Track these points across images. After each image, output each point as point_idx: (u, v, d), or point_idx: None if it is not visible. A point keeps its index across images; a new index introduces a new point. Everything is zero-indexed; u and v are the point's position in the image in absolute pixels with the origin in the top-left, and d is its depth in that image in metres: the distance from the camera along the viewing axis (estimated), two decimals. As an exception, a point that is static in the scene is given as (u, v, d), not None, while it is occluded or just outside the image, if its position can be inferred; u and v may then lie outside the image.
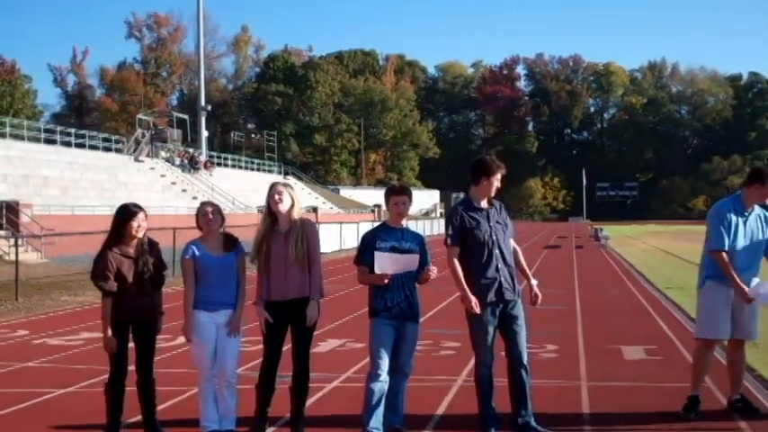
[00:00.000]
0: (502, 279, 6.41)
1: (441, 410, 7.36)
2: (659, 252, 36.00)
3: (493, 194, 6.55)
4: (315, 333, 6.57)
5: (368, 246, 6.39)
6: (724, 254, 6.85)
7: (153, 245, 6.59)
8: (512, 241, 6.65)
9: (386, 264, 6.21)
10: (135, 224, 6.39)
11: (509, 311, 6.45)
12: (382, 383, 6.23)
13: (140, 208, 6.52)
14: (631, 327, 12.72)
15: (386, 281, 6.23)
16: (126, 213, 6.44)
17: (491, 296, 6.39)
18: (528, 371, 6.52)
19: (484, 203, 6.54)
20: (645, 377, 8.68)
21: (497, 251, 6.44)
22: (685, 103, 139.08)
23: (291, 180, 68.76)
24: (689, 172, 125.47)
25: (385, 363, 6.25)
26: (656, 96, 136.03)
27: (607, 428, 6.76)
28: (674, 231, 62.46)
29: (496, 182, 6.51)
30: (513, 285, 6.48)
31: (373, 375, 6.26)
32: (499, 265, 6.42)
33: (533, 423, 6.43)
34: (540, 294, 6.61)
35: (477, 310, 6.33)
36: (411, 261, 6.29)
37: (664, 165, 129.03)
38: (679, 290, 17.70)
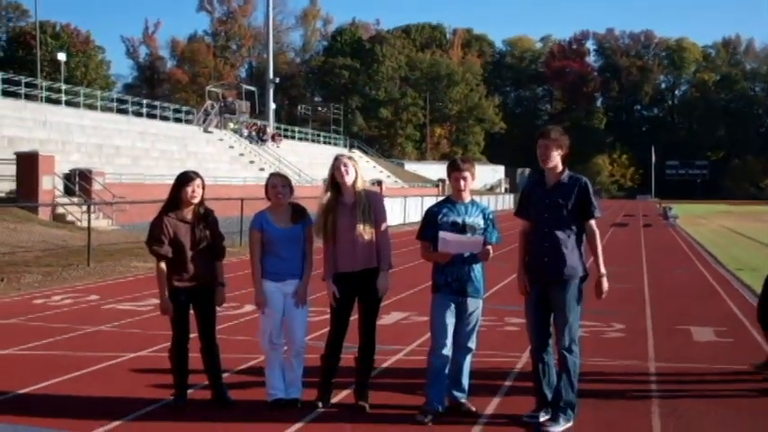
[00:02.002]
0: (545, 259, 6.13)
1: (505, 387, 7.33)
2: (730, 232, 35.22)
3: (547, 163, 6.15)
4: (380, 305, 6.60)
5: (430, 221, 6.36)
6: None
7: (209, 213, 6.62)
8: (591, 223, 6.18)
9: (449, 244, 6.17)
10: (189, 189, 6.43)
11: (553, 292, 6.15)
12: (443, 358, 6.23)
13: (198, 175, 6.57)
14: (701, 308, 12.48)
15: (447, 260, 6.22)
16: (183, 178, 6.52)
17: (533, 275, 6.24)
18: (567, 356, 6.07)
19: (551, 178, 6.23)
20: (715, 359, 8.52)
21: (545, 229, 6.15)
22: (760, 81, 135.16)
23: (357, 153, 69.03)
24: (762, 151, 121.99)
25: (445, 338, 6.24)
26: (729, 73, 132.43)
27: (676, 409, 6.65)
28: (746, 212, 61.09)
29: (540, 149, 6.12)
30: (560, 267, 6.08)
31: (434, 350, 6.27)
32: (545, 244, 6.14)
33: (559, 411, 6.07)
34: (604, 289, 6.13)
35: (521, 291, 6.31)
36: (475, 243, 6.22)
37: (736, 143, 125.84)
38: (751, 271, 17.29)
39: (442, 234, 6.17)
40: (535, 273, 6.23)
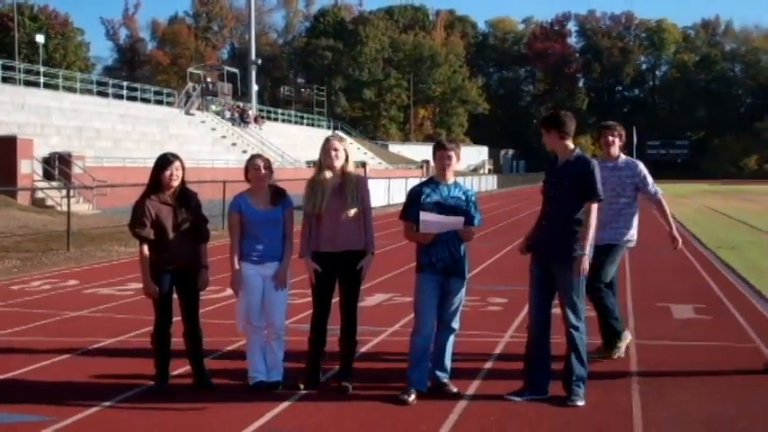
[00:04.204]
0: (543, 237, 6.28)
1: (487, 366, 7.34)
2: (710, 211, 35.39)
3: (555, 148, 6.36)
4: (362, 287, 6.60)
5: (413, 201, 6.36)
6: None
7: (190, 196, 6.57)
8: (593, 205, 6.17)
9: (430, 224, 6.17)
10: (168, 172, 6.39)
11: (557, 272, 6.21)
12: (426, 339, 6.26)
13: (177, 157, 6.52)
14: (681, 285, 12.56)
15: (429, 240, 6.21)
16: (161, 162, 6.47)
17: (535, 252, 6.36)
18: (574, 333, 6.16)
19: (561, 158, 6.35)
20: (694, 336, 8.57)
21: (548, 207, 6.32)
22: (739, 62, 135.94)
23: (339, 135, 68.88)
24: (741, 131, 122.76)
25: (428, 318, 6.26)
26: (708, 54, 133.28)
27: (654, 384, 6.69)
28: (726, 191, 61.44)
29: (545, 136, 6.38)
30: (560, 246, 6.15)
31: (417, 330, 6.28)
32: (544, 222, 6.30)
33: (574, 386, 6.16)
34: (582, 267, 6.12)
35: (520, 249, 6.47)
36: (456, 222, 6.22)
37: (716, 123, 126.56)
38: (730, 249, 17.43)
39: (422, 215, 6.18)
40: (540, 251, 6.32)
